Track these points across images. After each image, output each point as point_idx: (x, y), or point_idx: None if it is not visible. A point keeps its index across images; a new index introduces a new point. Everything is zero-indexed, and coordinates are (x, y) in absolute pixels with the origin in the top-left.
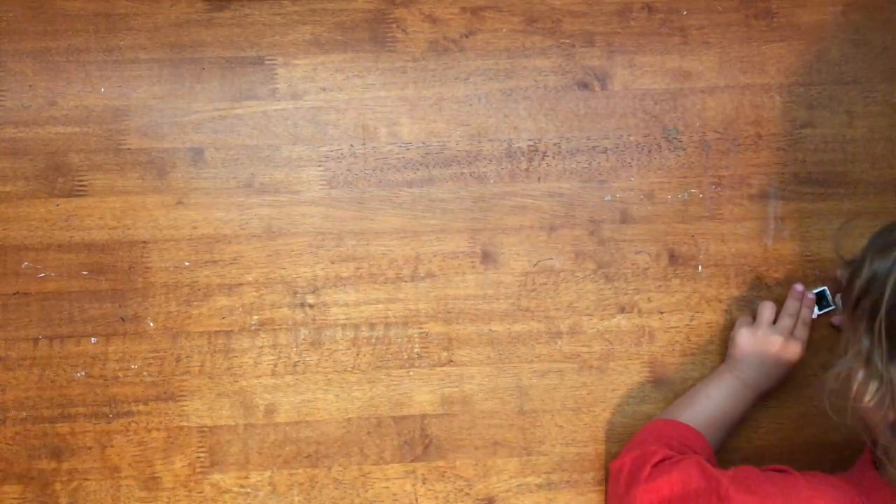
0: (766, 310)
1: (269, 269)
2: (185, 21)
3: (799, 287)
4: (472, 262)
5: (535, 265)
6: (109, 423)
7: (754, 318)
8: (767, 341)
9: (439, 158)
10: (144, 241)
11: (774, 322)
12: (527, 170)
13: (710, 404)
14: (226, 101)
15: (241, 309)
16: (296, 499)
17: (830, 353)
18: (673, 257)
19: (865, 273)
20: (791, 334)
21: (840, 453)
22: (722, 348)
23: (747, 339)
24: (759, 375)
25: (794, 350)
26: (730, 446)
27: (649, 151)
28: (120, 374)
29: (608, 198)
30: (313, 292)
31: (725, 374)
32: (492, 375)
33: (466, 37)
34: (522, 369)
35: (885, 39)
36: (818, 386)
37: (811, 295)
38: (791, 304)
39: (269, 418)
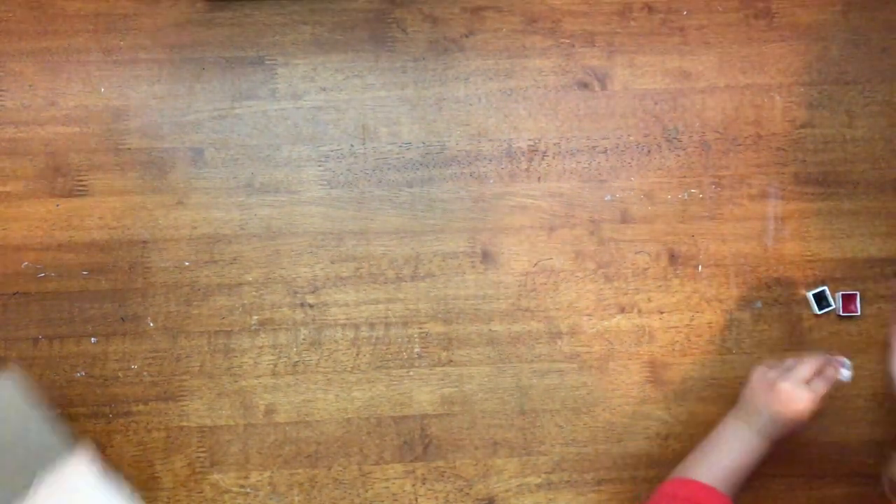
0: (790, 359)
1: (269, 269)
2: (185, 21)
3: (838, 358)
4: (472, 262)
5: (535, 265)
6: (109, 423)
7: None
8: (776, 385)
9: (439, 158)
10: (144, 241)
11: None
12: (527, 170)
13: (724, 458)
14: (226, 101)
15: (241, 309)
16: (296, 499)
17: (830, 353)
18: (673, 257)
19: None
20: (805, 384)
21: (840, 453)
22: (722, 348)
23: (759, 378)
24: (766, 421)
25: (801, 398)
26: None
27: (649, 151)
28: (120, 374)
29: (608, 198)
30: (313, 292)
31: (737, 423)
32: (492, 375)
33: (466, 37)
34: (522, 369)
35: (885, 39)
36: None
37: (843, 362)
38: (816, 358)
39: (269, 418)
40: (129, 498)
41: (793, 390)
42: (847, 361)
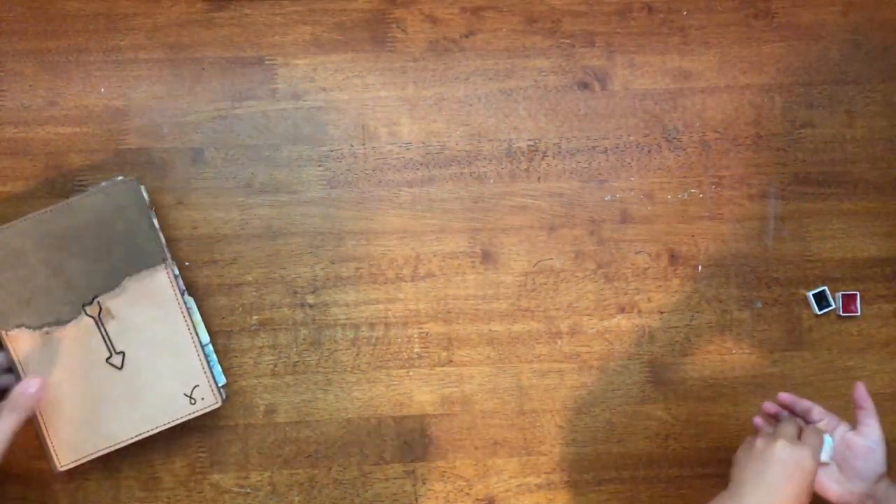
0: (767, 426)
1: (269, 269)
2: (185, 21)
3: (784, 396)
4: (472, 262)
5: (535, 265)
6: None
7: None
8: (768, 448)
9: (439, 158)
10: None
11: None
12: (527, 170)
13: None
14: (226, 101)
15: (241, 309)
16: (296, 499)
17: (830, 353)
18: (673, 257)
19: None
20: (796, 439)
21: None
22: (722, 348)
23: (745, 452)
24: (762, 493)
25: (801, 457)
26: (729, 445)
27: (649, 151)
28: None
29: (608, 198)
30: (313, 292)
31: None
32: (492, 375)
33: (466, 37)
34: (522, 369)
35: (885, 39)
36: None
37: (810, 411)
38: (791, 418)
39: (269, 418)
40: (198, 315)
41: (791, 449)
42: (829, 440)
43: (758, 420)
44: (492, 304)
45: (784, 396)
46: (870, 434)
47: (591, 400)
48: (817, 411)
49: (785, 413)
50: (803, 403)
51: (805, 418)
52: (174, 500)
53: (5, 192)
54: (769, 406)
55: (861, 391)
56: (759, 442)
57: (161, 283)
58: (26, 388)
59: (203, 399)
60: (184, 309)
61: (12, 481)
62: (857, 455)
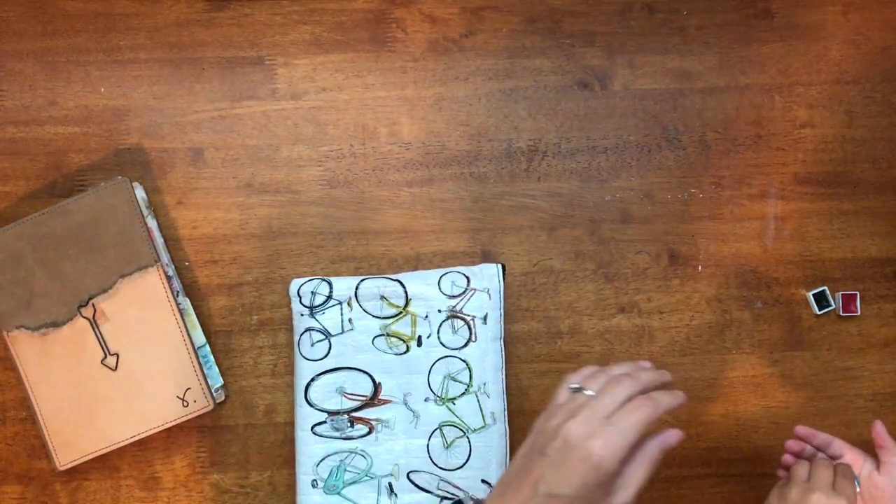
0: (800, 468)
1: (269, 269)
2: (185, 21)
3: (801, 430)
4: (473, 262)
5: (535, 265)
6: None
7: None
8: (803, 500)
9: (439, 158)
10: None
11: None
12: (527, 170)
13: None
14: (226, 101)
15: (241, 309)
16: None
17: (830, 353)
18: (673, 257)
19: None
20: (831, 489)
21: None
22: (722, 348)
23: (778, 501)
24: None
25: None
26: (729, 445)
27: (649, 151)
28: None
29: (608, 198)
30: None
31: None
32: None
33: (466, 37)
34: (522, 369)
35: (885, 39)
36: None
37: (844, 458)
38: (822, 455)
39: (269, 418)
40: (194, 317)
41: (827, 502)
42: (854, 474)
43: (787, 458)
44: None
45: (801, 430)
46: (894, 472)
47: None
48: (837, 445)
49: (809, 448)
50: (822, 437)
51: (824, 452)
52: (174, 500)
53: (5, 192)
54: (792, 445)
55: (879, 429)
56: (794, 492)
57: (153, 284)
58: (667, 438)
59: (195, 401)
60: (177, 311)
61: (12, 481)
62: (885, 497)
